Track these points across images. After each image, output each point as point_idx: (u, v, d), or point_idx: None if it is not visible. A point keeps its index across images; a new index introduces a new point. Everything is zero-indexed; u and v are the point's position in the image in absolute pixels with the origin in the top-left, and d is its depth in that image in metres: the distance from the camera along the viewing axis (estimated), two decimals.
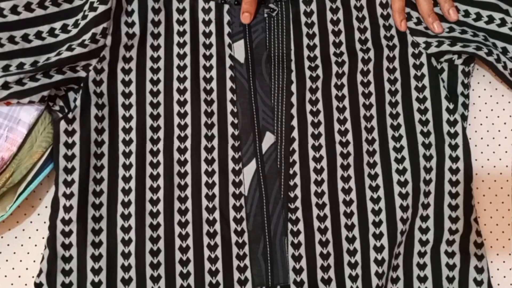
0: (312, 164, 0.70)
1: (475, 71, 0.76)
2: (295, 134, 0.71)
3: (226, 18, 0.73)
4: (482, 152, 0.74)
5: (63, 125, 0.67)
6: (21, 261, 0.70)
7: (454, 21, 0.73)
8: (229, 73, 0.72)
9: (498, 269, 0.72)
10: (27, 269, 0.69)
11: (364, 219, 0.69)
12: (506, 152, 0.74)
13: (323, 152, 0.70)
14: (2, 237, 0.70)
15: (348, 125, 0.71)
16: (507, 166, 0.74)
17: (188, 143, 0.70)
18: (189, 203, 0.68)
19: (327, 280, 0.68)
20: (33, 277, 0.69)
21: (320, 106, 0.71)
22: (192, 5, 0.72)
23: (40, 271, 0.65)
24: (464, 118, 0.72)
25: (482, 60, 0.71)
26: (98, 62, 0.68)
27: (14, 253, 0.70)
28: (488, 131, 0.75)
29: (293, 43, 0.73)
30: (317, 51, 0.73)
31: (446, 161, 0.70)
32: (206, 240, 0.68)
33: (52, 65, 0.66)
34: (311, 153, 0.70)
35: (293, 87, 0.72)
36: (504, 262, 0.72)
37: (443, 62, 0.73)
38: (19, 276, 0.69)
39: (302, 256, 0.68)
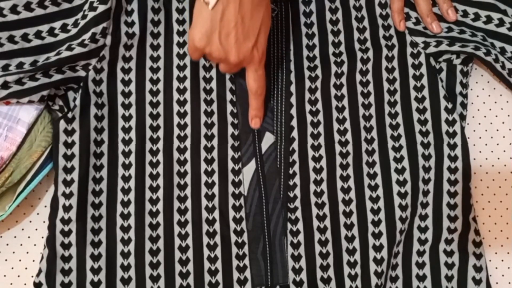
0: (311, 164, 0.70)
1: (474, 71, 0.76)
2: (294, 134, 0.71)
3: None
4: (480, 152, 0.74)
5: (62, 124, 0.67)
6: (20, 260, 0.69)
7: (452, 21, 0.73)
8: (228, 73, 0.72)
9: (496, 268, 0.72)
10: (26, 268, 0.69)
11: (363, 218, 0.69)
12: (504, 151, 0.74)
13: (322, 151, 0.70)
14: (1, 236, 0.70)
15: (347, 124, 0.71)
16: (505, 165, 0.74)
17: (187, 143, 0.70)
18: (188, 203, 0.68)
19: (326, 280, 0.68)
20: (32, 276, 0.69)
21: (319, 105, 0.72)
22: (191, 5, 0.72)
23: (40, 271, 0.65)
24: (462, 117, 0.72)
25: (480, 60, 0.72)
26: (98, 62, 0.69)
27: (13, 252, 0.70)
28: (486, 130, 0.75)
29: (293, 44, 0.73)
30: (316, 51, 0.73)
31: (444, 160, 0.70)
32: (205, 239, 0.68)
33: (52, 65, 0.66)
34: (310, 152, 0.70)
35: (293, 88, 0.72)
36: (502, 260, 0.72)
37: (442, 62, 0.73)
38: (18, 276, 0.69)
39: (301, 255, 0.68)
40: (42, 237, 0.70)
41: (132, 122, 0.69)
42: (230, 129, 0.70)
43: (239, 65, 0.64)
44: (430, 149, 0.71)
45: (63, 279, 0.65)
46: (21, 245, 0.70)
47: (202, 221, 0.68)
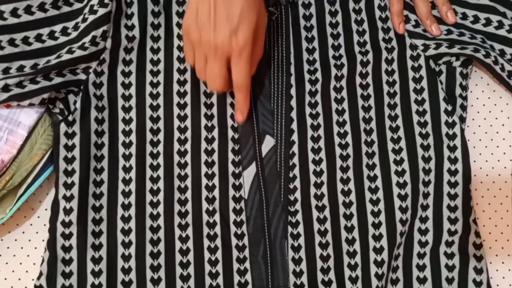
0: (311, 167, 0.70)
1: (473, 73, 0.76)
2: (294, 137, 0.71)
3: None
4: (480, 154, 0.74)
5: (63, 127, 0.67)
6: (21, 263, 0.69)
7: (452, 23, 0.73)
8: None
9: (497, 270, 0.72)
10: (27, 271, 0.69)
11: (363, 220, 0.69)
12: (504, 153, 0.74)
13: (322, 154, 0.70)
14: (2, 239, 0.70)
15: (347, 127, 0.71)
16: (505, 167, 0.74)
17: (188, 146, 0.70)
18: (189, 206, 0.68)
19: (327, 282, 0.68)
20: (33, 279, 0.69)
21: (319, 108, 0.72)
22: None
23: (40, 274, 0.65)
24: (462, 119, 0.72)
25: (480, 62, 0.72)
26: (98, 65, 0.69)
27: (14, 255, 0.70)
28: (486, 132, 0.75)
29: (293, 47, 0.73)
30: (316, 54, 0.73)
31: (444, 163, 0.70)
32: (206, 242, 0.68)
33: (52, 68, 0.66)
34: (310, 155, 0.70)
35: (293, 91, 0.72)
36: (503, 263, 0.72)
37: (441, 64, 0.73)
38: (19, 279, 0.69)
39: (302, 259, 0.68)
40: (43, 240, 0.70)
41: (133, 125, 0.70)
42: (230, 132, 0.70)
43: (217, 50, 0.61)
44: (430, 151, 0.71)
45: (64, 282, 0.65)
46: (21, 248, 0.70)
47: (202, 224, 0.68)
